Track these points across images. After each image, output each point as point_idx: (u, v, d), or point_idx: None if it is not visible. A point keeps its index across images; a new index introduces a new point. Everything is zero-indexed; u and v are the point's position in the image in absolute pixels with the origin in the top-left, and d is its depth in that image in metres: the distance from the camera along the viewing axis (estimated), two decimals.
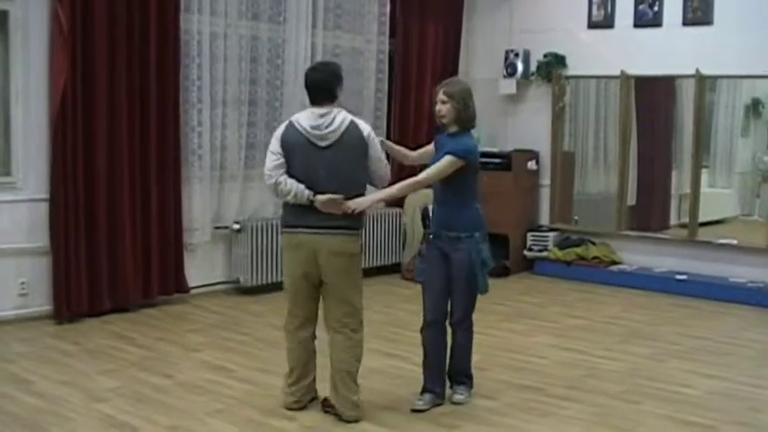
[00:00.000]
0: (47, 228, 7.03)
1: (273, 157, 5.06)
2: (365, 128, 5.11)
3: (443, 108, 5.27)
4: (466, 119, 5.30)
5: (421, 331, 5.46)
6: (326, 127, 4.97)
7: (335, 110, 5.04)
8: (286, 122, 5.14)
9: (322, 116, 5.00)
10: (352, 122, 5.04)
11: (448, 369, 5.51)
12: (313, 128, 4.99)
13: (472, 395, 5.54)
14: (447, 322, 5.42)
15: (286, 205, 5.12)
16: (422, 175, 5.26)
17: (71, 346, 6.52)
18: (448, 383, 5.52)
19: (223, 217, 8.32)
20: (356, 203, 4.99)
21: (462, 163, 5.17)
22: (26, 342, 6.57)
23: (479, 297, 5.39)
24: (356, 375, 5.14)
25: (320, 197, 4.95)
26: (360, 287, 5.21)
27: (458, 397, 5.47)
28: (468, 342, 5.50)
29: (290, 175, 5.02)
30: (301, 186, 4.97)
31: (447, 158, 5.16)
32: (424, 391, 5.41)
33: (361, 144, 5.05)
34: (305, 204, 4.98)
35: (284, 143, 5.05)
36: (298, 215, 5.04)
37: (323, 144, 5.00)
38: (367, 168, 5.13)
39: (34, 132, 7.00)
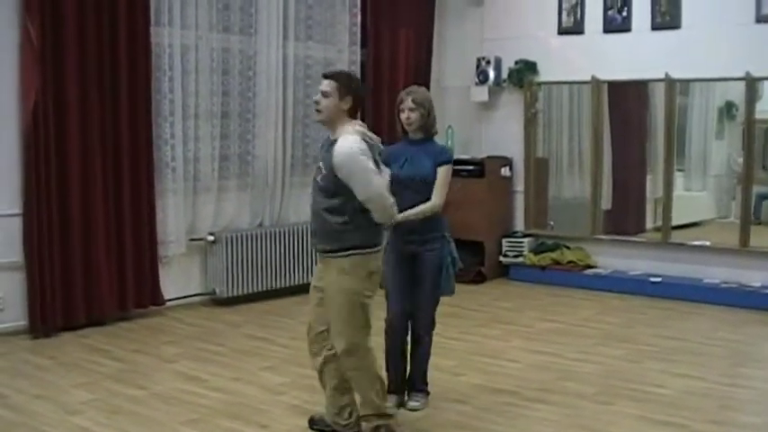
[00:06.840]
0: (20, 243, 7.01)
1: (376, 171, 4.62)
2: None
3: (412, 115, 5.34)
4: (430, 125, 5.42)
5: None
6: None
7: None
8: (359, 136, 4.59)
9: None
10: None
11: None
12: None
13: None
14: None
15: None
16: (436, 200, 5.26)
17: (46, 360, 6.51)
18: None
19: (198, 229, 8.30)
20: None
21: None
22: (1, 357, 6.55)
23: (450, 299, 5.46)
24: None
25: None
26: None
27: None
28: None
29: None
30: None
31: (445, 169, 5.32)
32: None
33: None
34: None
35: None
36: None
37: None
38: None
39: (6, 148, 6.98)
